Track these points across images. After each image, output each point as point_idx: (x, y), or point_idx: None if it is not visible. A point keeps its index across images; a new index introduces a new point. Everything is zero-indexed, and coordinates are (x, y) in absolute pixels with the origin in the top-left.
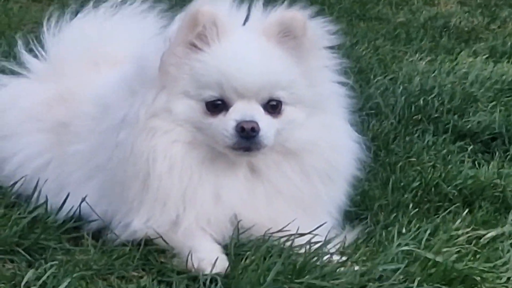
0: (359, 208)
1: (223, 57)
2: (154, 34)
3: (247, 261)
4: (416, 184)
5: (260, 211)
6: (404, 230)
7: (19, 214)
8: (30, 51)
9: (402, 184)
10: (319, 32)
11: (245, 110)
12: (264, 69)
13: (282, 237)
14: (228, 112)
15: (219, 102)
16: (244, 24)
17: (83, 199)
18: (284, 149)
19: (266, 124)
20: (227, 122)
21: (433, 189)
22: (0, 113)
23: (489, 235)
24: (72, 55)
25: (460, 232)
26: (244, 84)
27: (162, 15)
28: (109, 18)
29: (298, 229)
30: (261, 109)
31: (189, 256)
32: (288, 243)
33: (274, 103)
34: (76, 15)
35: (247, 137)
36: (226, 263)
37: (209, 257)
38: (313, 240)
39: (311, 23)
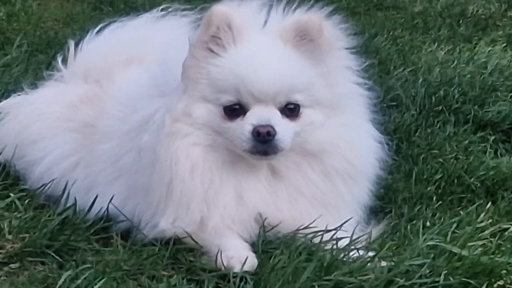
0: (383, 202)
1: (239, 61)
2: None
3: (276, 259)
4: (438, 176)
5: (283, 211)
6: (428, 224)
7: (49, 216)
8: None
9: (424, 176)
10: (336, 33)
11: (261, 114)
12: (281, 74)
13: (308, 234)
14: (245, 117)
15: (237, 106)
16: (262, 27)
17: (110, 200)
18: (304, 150)
19: (283, 128)
20: (243, 126)
21: (455, 180)
22: (33, 118)
23: None
24: (105, 56)
25: (483, 224)
26: (261, 89)
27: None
28: (144, 24)
29: (326, 226)
30: (278, 113)
31: (218, 254)
32: (316, 240)
33: (291, 106)
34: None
35: (263, 141)
36: (256, 261)
37: (238, 255)
38: (339, 236)
39: (327, 25)
